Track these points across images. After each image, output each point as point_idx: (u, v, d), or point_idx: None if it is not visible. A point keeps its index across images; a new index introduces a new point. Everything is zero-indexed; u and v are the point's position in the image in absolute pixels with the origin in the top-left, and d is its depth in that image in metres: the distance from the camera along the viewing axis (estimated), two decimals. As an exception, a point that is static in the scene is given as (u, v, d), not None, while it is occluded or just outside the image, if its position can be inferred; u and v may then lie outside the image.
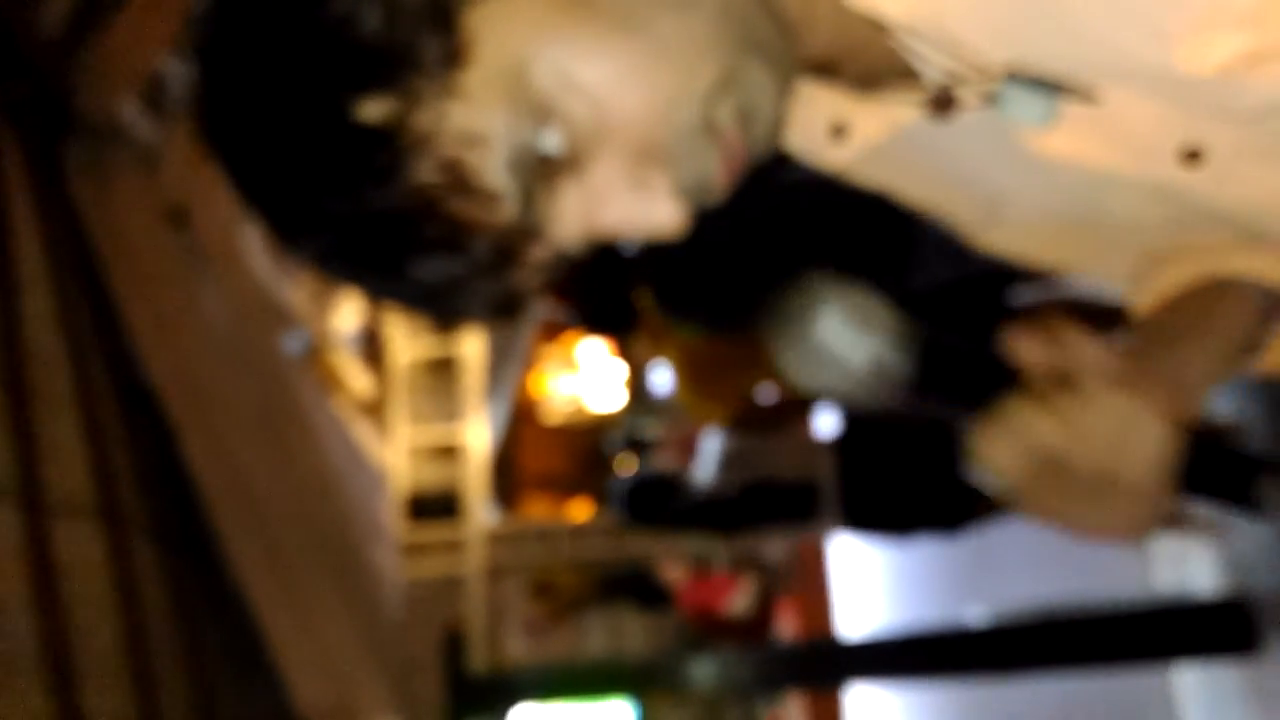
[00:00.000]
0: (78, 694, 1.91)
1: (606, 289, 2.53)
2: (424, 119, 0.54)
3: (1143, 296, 0.74)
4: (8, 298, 2.09)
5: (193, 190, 3.37)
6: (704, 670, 2.82)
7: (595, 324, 2.61)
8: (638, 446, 8.91)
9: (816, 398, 0.60)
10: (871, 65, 0.68)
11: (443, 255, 0.56)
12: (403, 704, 2.55)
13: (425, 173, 0.54)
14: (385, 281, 0.59)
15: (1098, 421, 0.59)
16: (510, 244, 0.57)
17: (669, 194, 0.59)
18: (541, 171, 0.56)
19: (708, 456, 2.63)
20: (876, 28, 0.65)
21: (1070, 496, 0.60)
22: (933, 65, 0.65)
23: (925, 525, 2.50)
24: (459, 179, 0.54)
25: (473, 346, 7.91)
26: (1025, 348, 0.63)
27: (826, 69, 0.69)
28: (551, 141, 0.56)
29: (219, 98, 0.57)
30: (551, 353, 9.74)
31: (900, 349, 0.61)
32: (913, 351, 0.62)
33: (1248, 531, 2.37)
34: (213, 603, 2.34)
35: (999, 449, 0.60)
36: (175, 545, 2.32)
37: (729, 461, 2.59)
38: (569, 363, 9.62)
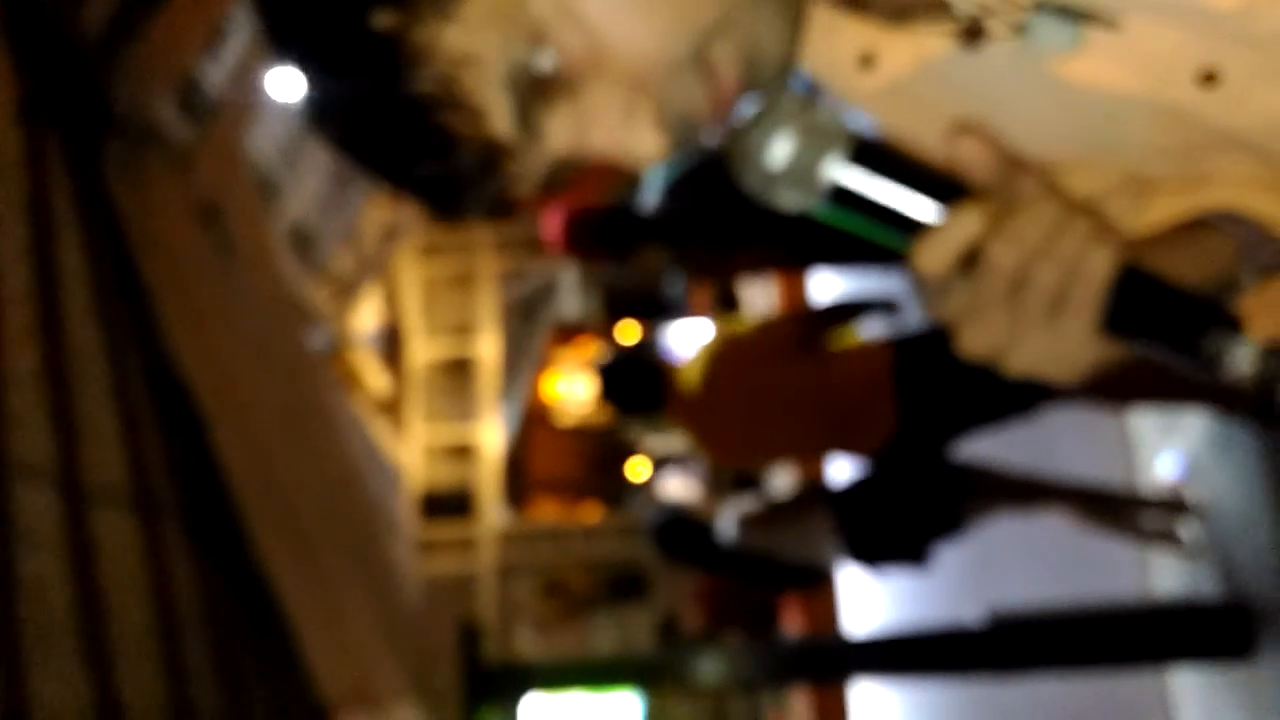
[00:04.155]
0: (112, 674, 1.98)
1: (636, 375, 2.61)
2: (422, 35, 0.59)
3: (1131, 221, 0.75)
4: (49, 292, 2.17)
5: (223, 190, 3.46)
6: (711, 665, 2.89)
7: (625, 407, 2.70)
8: (656, 462, 8.96)
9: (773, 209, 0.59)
10: None
11: (435, 159, 0.62)
12: (420, 692, 2.63)
13: (424, 84, 0.60)
14: (389, 172, 0.66)
15: (1035, 227, 0.57)
16: (493, 157, 0.62)
17: (653, 125, 0.62)
18: (537, 89, 0.61)
19: (728, 523, 2.75)
20: None
21: (1012, 322, 0.58)
22: None
23: (919, 554, 2.61)
24: (451, 94, 0.60)
25: (489, 348, 7.99)
26: (969, 148, 0.60)
27: (856, 1, 0.70)
28: (546, 63, 0.60)
29: (277, 9, 0.66)
30: (565, 356, 9.81)
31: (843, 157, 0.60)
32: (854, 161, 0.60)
33: (1244, 539, 2.43)
34: (240, 590, 2.41)
35: (935, 250, 0.58)
36: (205, 534, 2.39)
37: (744, 538, 2.71)
38: (582, 366, 9.69)
